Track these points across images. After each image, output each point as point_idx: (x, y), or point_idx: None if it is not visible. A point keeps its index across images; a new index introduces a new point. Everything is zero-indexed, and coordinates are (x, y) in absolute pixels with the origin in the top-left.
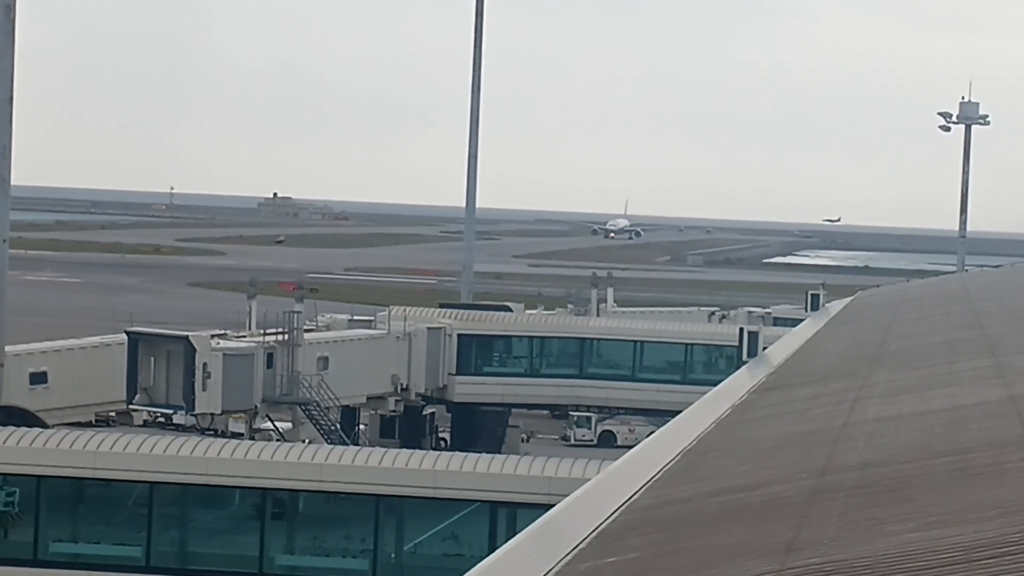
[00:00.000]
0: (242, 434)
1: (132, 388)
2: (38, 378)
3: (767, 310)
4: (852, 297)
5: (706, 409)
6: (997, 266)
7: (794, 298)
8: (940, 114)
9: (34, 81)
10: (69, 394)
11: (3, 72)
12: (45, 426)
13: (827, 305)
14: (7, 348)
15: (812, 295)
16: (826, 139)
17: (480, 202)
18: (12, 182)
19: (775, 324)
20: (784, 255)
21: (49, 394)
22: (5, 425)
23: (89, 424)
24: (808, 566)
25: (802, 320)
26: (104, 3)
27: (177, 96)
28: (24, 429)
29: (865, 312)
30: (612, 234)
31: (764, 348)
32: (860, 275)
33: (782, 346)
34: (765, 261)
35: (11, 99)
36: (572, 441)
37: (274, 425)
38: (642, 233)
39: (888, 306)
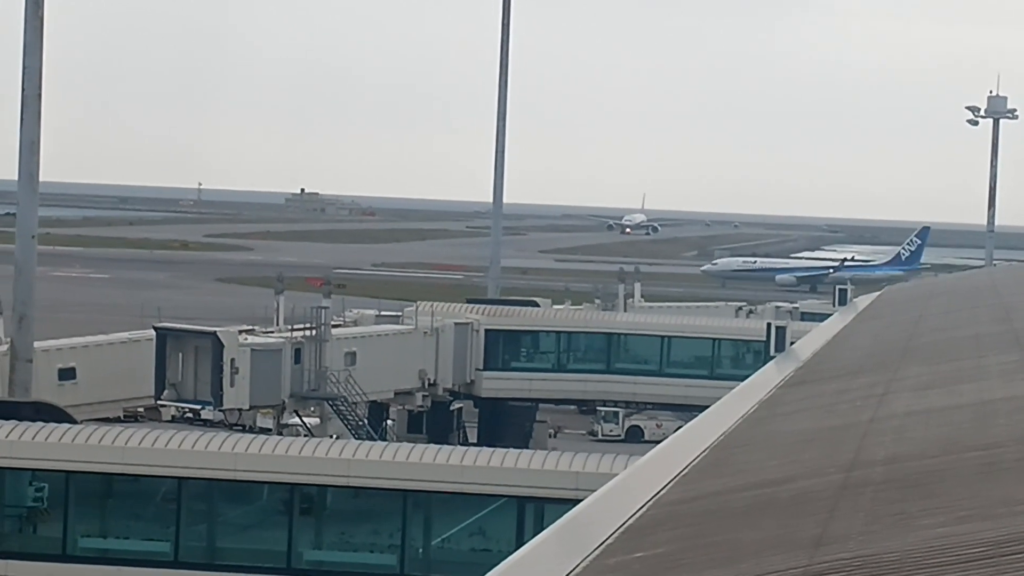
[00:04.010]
0: (270, 430)
1: (160, 384)
2: (67, 374)
3: (795, 305)
4: (880, 292)
5: (734, 404)
6: None
7: (822, 293)
8: (968, 108)
9: (63, 77)
10: (98, 390)
11: (32, 68)
12: (74, 422)
13: (855, 300)
14: (36, 344)
15: (840, 290)
16: (853, 133)
17: (507, 197)
18: (40, 178)
19: (803, 319)
20: (811, 249)
21: (78, 390)
22: (34, 421)
23: (117, 420)
24: (836, 561)
25: (830, 315)
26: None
27: (205, 92)
28: (53, 425)
29: (893, 307)
30: (628, 229)
31: (792, 343)
32: None
33: (810, 341)
34: (792, 255)
35: (40, 95)
36: (599, 436)
37: (302, 420)
38: (659, 228)
39: (916, 300)
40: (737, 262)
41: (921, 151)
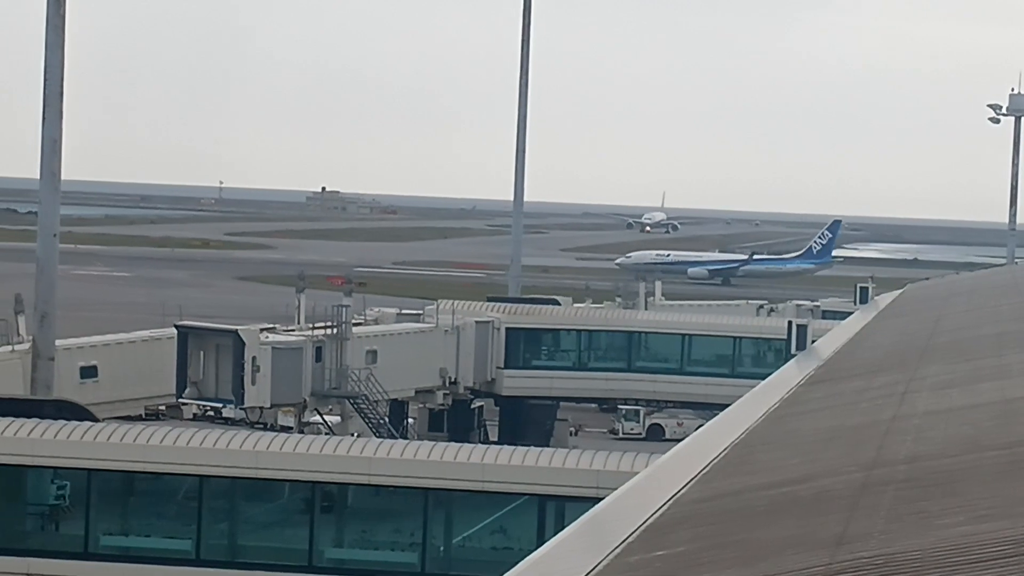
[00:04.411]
0: (291, 428)
1: (181, 382)
2: (88, 372)
3: (816, 303)
4: (901, 290)
5: (755, 402)
6: None
7: (843, 291)
8: (990, 106)
9: (84, 76)
10: (119, 388)
11: (53, 67)
12: (95, 420)
13: (876, 298)
14: (58, 342)
15: (861, 288)
16: (874, 131)
17: (528, 196)
18: (62, 177)
19: (824, 317)
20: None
21: (99, 388)
22: (56, 419)
23: (139, 418)
24: (857, 559)
25: (851, 313)
26: None
27: (226, 91)
28: (75, 423)
29: (914, 305)
30: (648, 227)
31: (813, 341)
32: (909, 268)
33: (831, 339)
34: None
35: (61, 94)
36: (620, 434)
37: (323, 419)
38: (679, 227)
39: (937, 299)
40: (651, 255)
41: (942, 149)
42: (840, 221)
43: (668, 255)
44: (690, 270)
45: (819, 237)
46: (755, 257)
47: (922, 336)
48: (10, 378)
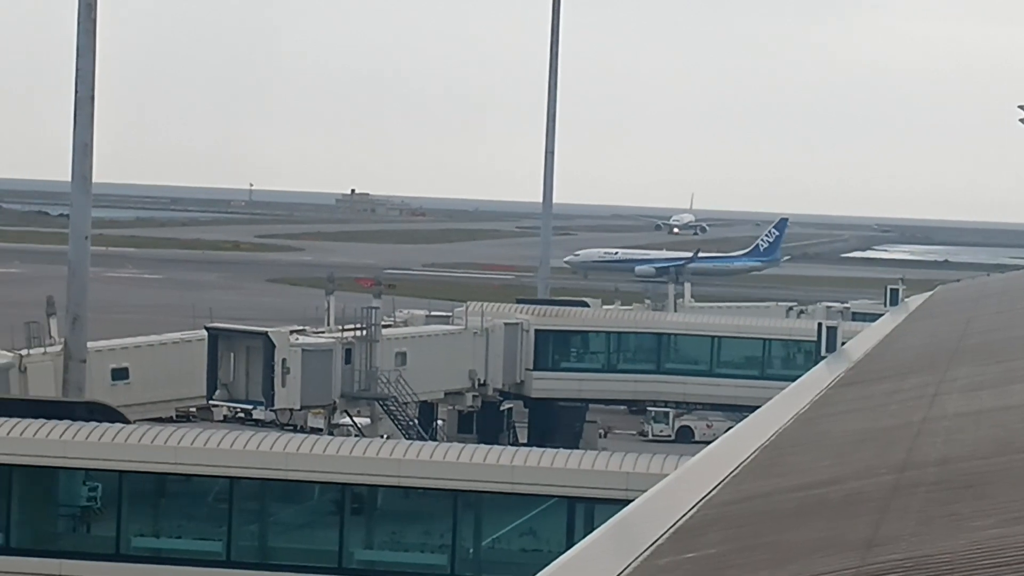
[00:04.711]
0: (321, 429)
1: (212, 384)
2: (120, 374)
3: (846, 305)
4: (932, 292)
5: (784, 404)
6: None
7: (873, 293)
8: (1021, 107)
9: (115, 79)
10: (150, 390)
11: (85, 70)
12: (127, 421)
13: (906, 300)
14: (89, 344)
15: (891, 290)
16: (904, 132)
17: (556, 197)
18: (94, 179)
19: (854, 319)
20: (862, 250)
21: (130, 390)
22: (88, 421)
23: (170, 419)
24: (888, 562)
25: (881, 315)
26: (184, 2)
27: (256, 94)
28: (106, 425)
29: (945, 307)
30: (676, 229)
31: (843, 343)
32: (940, 269)
33: (861, 341)
34: (843, 256)
35: (92, 97)
36: (650, 436)
37: (353, 420)
38: (707, 228)
39: (968, 301)
40: (599, 253)
41: (973, 150)
42: (787, 219)
43: (616, 253)
44: (637, 268)
45: (766, 235)
46: (700, 255)
47: (953, 338)
48: (42, 380)
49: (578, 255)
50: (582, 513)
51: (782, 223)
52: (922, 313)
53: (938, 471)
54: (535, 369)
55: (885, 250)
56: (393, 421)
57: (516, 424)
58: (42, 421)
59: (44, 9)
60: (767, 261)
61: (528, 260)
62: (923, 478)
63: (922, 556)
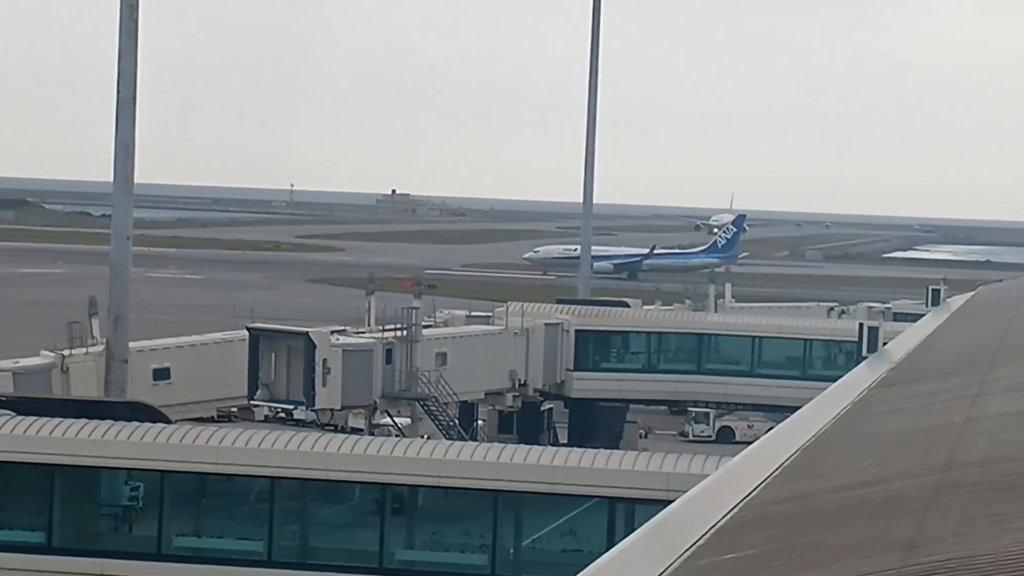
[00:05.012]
0: (362, 430)
1: (253, 384)
2: (161, 374)
3: (887, 305)
4: (974, 292)
5: (825, 405)
6: None
7: (914, 293)
8: None
9: (156, 80)
10: (192, 390)
11: (127, 71)
12: (168, 422)
13: (948, 300)
14: (131, 344)
15: (933, 290)
16: (946, 131)
17: (597, 198)
18: (135, 180)
19: (895, 319)
20: (904, 250)
21: (172, 390)
22: (129, 421)
23: (211, 420)
24: (930, 563)
25: (923, 315)
26: (225, 3)
27: (297, 94)
28: (148, 425)
29: (987, 307)
30: (716, 229)
31: (884, 343)
32: (982, 270)
33: (902, 341)
34: (885, 256)
35: (134, 98)
36: (690, 437)
37: (393, 421)
38: (747, 228)
39: (1010, 301)
40: (558, 249)
41: (1015, 150)
42: (744, 215)
43: (575, 249)
44: (595, 264)
45: (724, 232)
46: (656, 251)
47: (994, 338)
48: (84, 380)
49: (538, 251)
50: (622, 513)
51: (740, 220)
52: (964, 313)
53: (980, 472)
54: (575, 369)
55: (927, 250)
56: (434, 421)
57: (556, 424)
58: (84, 421)
59: (86, 11)
60: (725, 258)
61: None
62: (965, 479)
63: (964, 557)
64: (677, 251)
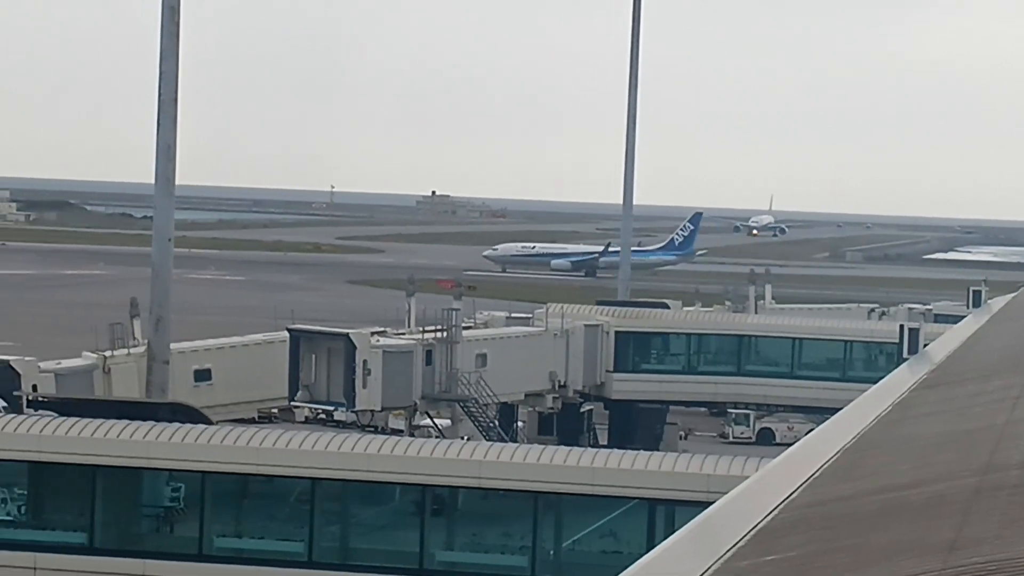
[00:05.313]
0: (402, 431)
1: (294, 385)
2: (202, 375)
3: (928, 307)
4: (1015, 293)
5: (866, 406)
6: None
7: (956, 294)
8: None
9: (197, 82)
10: (232, 391)
11: (168, 73)
12: (209, 423)
13: (989, 301)
14: (172, 346)
15: (974, 291)
16: (987, 131)
17: (636, 199)
18: (176, 182)
19: (936, 321)
20: (945, 251)
21: (213, 391)
22: (171, 422)
23: (252, 421)
24: (971, 565)
25: (964, 317)
26: (266, 5)
27: (337, 96)
28: (189, 426)
29: None
30: (755, 231)
31: (925, 345)
32: (1023, 271)
33: (943, 343)
34: (925, 257)
35: (176, 100)
36: (730, 438)
37: (433, 422)
38: (786, 230)
39: None
40: (516, 247)
41: None
42: (701, 213)
43: (533, 247)
44: (553, 262)
45: (681, 229)
46: (611, 249)
47: None
48: (126, 381)
49: (496, 249)
50: (662, 515)
51: (696, 217)
52: (1005, 315)
53: (1021, 474)
54: (615, 371)
55: (968, 251)
56: (473, 422)
57: (596, 426)
58: (126, 422)
59: (128, 13)
60: (681, 255)
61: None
62: (1006, 481)
63: (1005, 559)
64: (633, 249)
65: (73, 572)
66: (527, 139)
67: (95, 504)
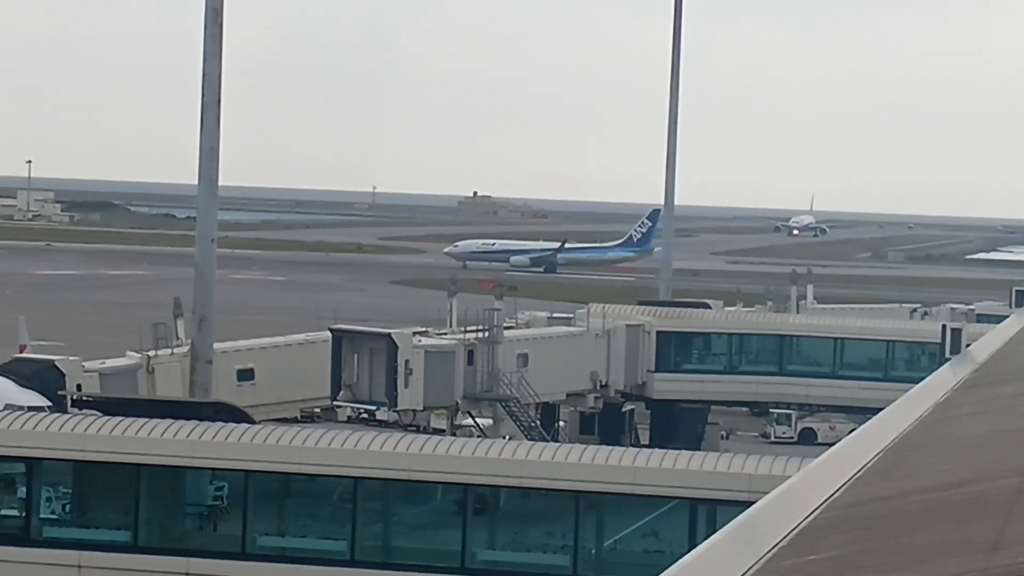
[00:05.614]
0: (444, 430)
1: (336, 385)
2: (245, 375)
3: (970, 307)
4: None
5: (908, 406)
6: None
7: (998, 294)
8: None
9: (240, 83)
10: (275, 390)
11: (211, 75)
12: (252, 422)
13: None
14: (216, 345)
15: (1017, 291)
16: None
17: (678, 199)
18: (220, 183)
19: (978, 321)
20: (987, 251)
21: (256, 390)
22: (214, 421)
23: (295, 420)
24: (1014, 565)
25: (1007, 316)
26: (308, 7)
27: (379, 97)
28: (232, 425)
29: None
30: (796, 231)
31: (967, 345)
32: None
33: (986, 343)
34: (968, 257)
35: (219, 101)
36: (772, 438)
37: (475, 421)
38: (827, 230)
39: None
40: (476, 244)
41: None
42: (659, 210)
43: (493, 244)
44: (512, 258)
45: (639, 226)
46: (567, 246)
47: None
48: (170, 380)
49: (457, 246)
50: (704, 515)
51: (654, 214)
52: None
53: None
54: (657, 371)
55: (1010, 251)
56: (515, 422)
57: (638, 426)
58: (170, 421)
59: (172, 15)
60: (639, 251)
61: (649, 262)
62: None
63: None
64: (590, 245)
65: (117, 570)
66: (569, 140)
67: (139, 503)
